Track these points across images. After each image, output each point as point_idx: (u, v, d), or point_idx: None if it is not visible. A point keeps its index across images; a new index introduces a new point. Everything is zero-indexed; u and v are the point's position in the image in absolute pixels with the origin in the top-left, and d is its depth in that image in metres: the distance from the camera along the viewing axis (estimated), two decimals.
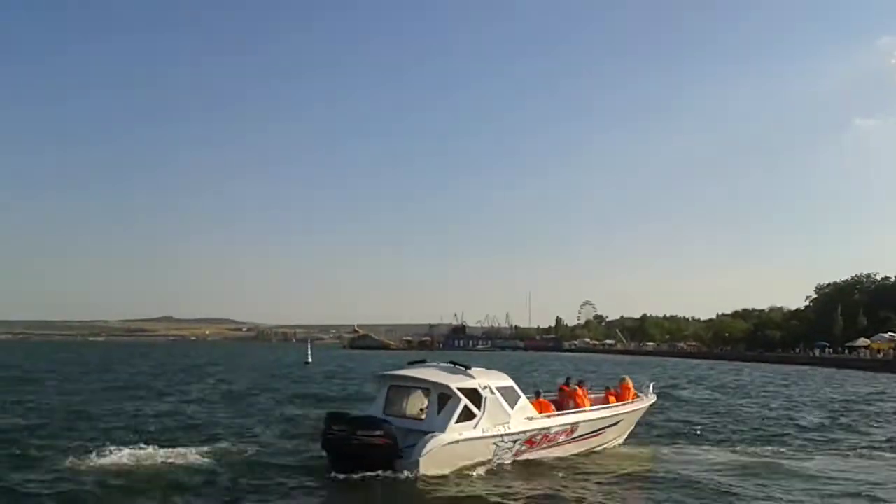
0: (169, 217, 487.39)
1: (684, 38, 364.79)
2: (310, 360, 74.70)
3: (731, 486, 14.30)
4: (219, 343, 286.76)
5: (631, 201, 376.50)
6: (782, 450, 19.02)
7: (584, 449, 17.66)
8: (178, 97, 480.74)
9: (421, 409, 15.67)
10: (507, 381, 16.33)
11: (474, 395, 15.15)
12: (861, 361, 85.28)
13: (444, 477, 13.95)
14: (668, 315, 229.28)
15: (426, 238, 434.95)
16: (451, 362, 16.84)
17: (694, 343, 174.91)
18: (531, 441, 16.06)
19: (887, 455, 18.59)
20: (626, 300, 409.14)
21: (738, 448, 19.15)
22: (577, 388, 18.93)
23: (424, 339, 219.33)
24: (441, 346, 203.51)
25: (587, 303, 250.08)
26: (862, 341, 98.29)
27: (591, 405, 18.48)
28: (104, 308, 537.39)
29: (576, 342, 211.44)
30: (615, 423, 18.72)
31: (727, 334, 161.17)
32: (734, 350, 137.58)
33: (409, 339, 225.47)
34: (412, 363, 17.19)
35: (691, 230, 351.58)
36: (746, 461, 17.13)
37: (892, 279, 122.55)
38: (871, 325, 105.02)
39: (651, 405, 20.74)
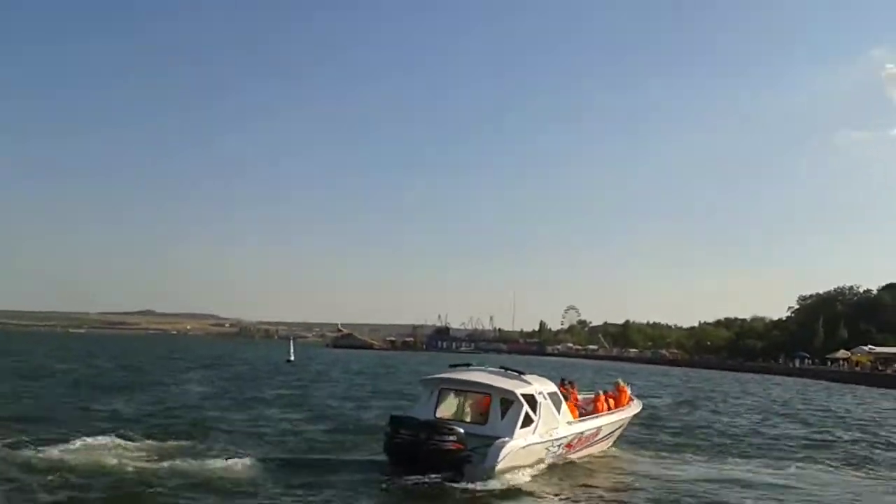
0: (153, 210, 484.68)
1: (679, 46, 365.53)
2: (292, 357, 74.25)
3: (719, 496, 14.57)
4: (200, 338, 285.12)
5: (617, 208, 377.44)
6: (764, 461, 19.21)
7: (598, 451, 18.14)
8: (171, 93, 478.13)
9: (480, 414, 15.52)
10: (553, 387, 16.65)
11: (532, 401, 15.30)
12: (841, 373, 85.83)
13: (511, 482, 13.97)
14: (651, 322, 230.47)
15: (412, 239, 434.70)
16: (502, 367, 16.99)
17: (676, 350, 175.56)
18: (570, 444, 16.43)
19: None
20: (609, 306, 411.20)
21: (719, 458, 19.33)
22: (573, 388, 19.17)
23: (408, 339, 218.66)
24: (424, 346, 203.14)
25: (571, 307, 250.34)
26: (842, 353, 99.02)
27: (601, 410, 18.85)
28: (85, 300, 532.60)
29: (559, 346, 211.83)
30: (620, 427, 19.30)
31: (709, 343, 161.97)
32: (716, 358, 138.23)
33: (393, 339, 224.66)
34: (455, 366, 17.23)
35: (676, 238, 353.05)
36: (730, 472, 17.31)
37: (874, 292, 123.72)
38: (852, 338, 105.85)
39: (638, 412, 20.99)
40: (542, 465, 15.22)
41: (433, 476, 13.65)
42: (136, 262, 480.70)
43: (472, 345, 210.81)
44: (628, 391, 20.89)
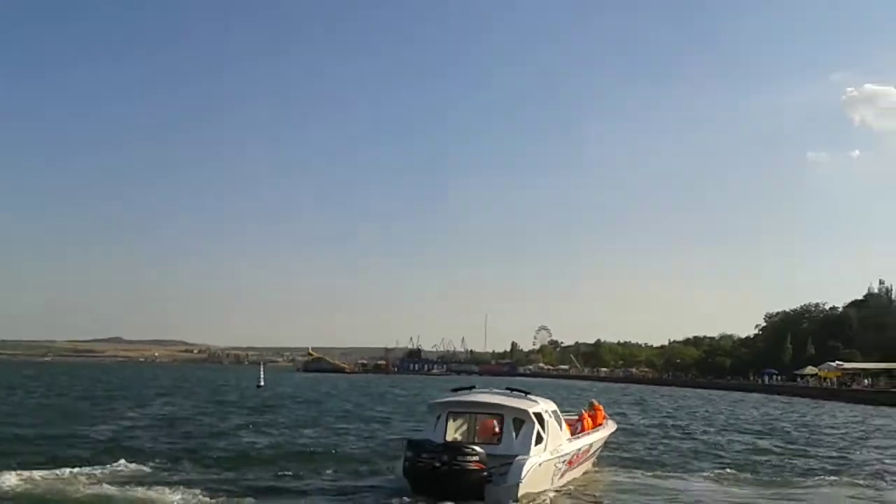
0: (119, 236, 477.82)
1: (646, 59, 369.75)
2: (262, 383, 73.23)
3: None
4: (168, 365, 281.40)
5: (587, 227, 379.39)
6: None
7: (585, 470, 18.24)
8: (144, 119, 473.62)
9: (492, 434, 15.50)
10: (554, 406, 16.82)
11: (541, 420, 15.46)
12: (810, 389, 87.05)
13: (532, 499, 14.12)
14: (622, 341, 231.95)
15: (382, 261, 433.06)
16: (508, 388, 17.14)
17: (647, 369, 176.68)
18: (570, 461, 16.55)
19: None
20: (581, 326, 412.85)
21: (711, 475, 19.37)
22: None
23: (380, 362, 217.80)
24: (396, 369, 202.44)
25: (543, 328, 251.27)
26: (810, 369, 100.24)
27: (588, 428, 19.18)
28: (51, 328, 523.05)
29: (530, 367, 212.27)
30: (601, 446, 19.62)
31: (679, 361, 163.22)
32: (686, 376, 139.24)
33: (365, 362, 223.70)
34: (457, 389, 17.23)
35: (645, 257, 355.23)
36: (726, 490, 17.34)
37: (840, 309, 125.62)
38: (819, 354, 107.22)
39: (614, 431, 21.09)
40: (552, 482, 15.38)
41: (458, 498, 13.58)
42: (102, 290, 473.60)
43: (444, 367, 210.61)
44: (603, 410, 20.99)
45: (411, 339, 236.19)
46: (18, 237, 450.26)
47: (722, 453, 24.58)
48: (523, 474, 13.93)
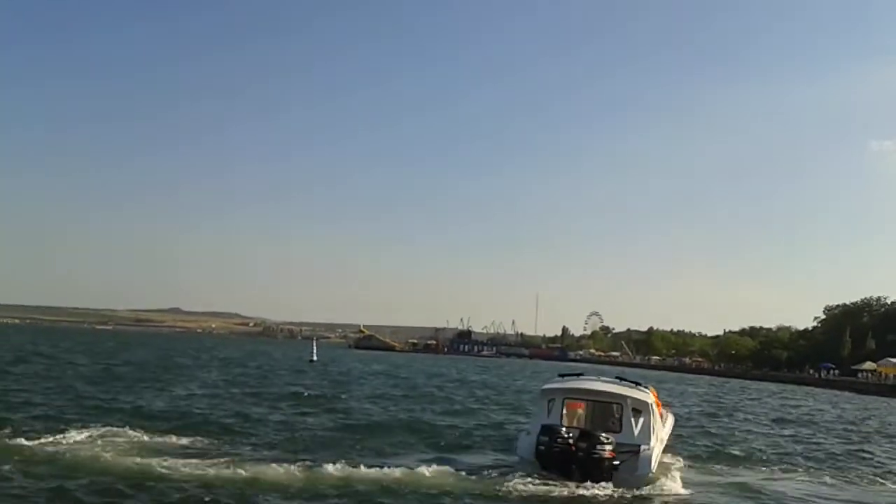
0: (181, 208, 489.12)
1: (706, 47, 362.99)
2: (315, 358, 74.45)
3: None
4: (224, 337, 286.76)
5: (644, 213, 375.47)
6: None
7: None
8: (188, 84, 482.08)
9: (610, 422, 15.68)
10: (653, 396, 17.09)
11: (653, 410, 15.84)
12: (868, 385, 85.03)
13: (658, 487, 14.43)
14: (674, 329, 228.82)
15: (435, 240, 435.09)
16: (617, 377, 17.52)
17: (700, 359, 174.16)
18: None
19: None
20: (633, 312, 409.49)
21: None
22: None
23: (430, 342, 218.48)
24: (446, 350, 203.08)
25: (594, 313, 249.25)
26: (868, 365, 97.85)
27: None
28: (113, 297, 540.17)
29: (581, 352, 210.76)
30: None
31: (733, 351, 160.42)
32: (740, 367, 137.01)
33: (415, 341, 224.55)
34: (564, 375, 17.57)
35: (703, 245, 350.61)
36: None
37: None
38: (879, 349, 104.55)
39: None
40: (658, 467, 15.60)
41: (591, 482, 13.90)
42: (164, 261, 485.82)
43: (494, 349, 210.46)
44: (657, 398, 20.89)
45: (462, 319, 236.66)
46: (85, 206, 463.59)
47: (779, 446, 24.47)
48: (652, 465, 14.45)
